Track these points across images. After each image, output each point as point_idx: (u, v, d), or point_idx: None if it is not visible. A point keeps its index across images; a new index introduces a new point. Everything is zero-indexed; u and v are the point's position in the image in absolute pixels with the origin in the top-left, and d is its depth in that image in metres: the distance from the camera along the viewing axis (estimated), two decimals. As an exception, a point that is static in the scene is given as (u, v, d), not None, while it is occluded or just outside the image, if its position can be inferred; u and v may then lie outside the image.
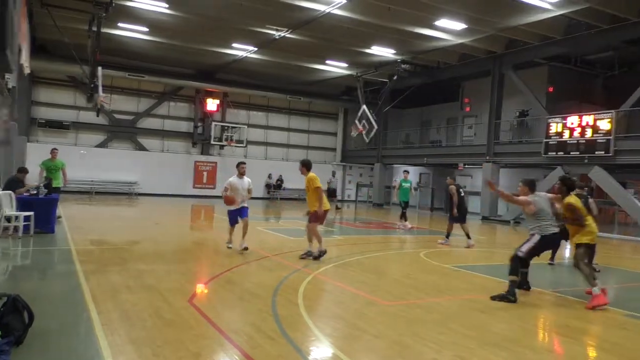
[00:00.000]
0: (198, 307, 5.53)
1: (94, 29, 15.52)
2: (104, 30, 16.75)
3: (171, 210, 19.35)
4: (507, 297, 6.40)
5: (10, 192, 10.12)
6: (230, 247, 9.65)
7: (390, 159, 29.07)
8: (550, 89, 22.29)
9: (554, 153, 18.85)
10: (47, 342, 4.28)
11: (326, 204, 9.01)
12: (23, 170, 11.47)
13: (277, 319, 5.19)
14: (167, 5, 17.04)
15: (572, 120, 18.36)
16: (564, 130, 18.56)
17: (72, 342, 4.37)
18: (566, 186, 6.88)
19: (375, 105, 27.11)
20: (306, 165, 9.10)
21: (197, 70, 27.15)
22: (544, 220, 6.68)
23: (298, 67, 25.30)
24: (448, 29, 18.20)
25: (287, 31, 19.25)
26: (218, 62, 25.10)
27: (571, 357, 4.84)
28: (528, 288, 7.05)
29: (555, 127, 18.91)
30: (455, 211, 12.20)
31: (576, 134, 18.14)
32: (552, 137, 18.95)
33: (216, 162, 28.85)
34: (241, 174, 9.75)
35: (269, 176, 29.92)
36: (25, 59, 13.40)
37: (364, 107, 26.20)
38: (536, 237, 6.61)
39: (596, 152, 17.40)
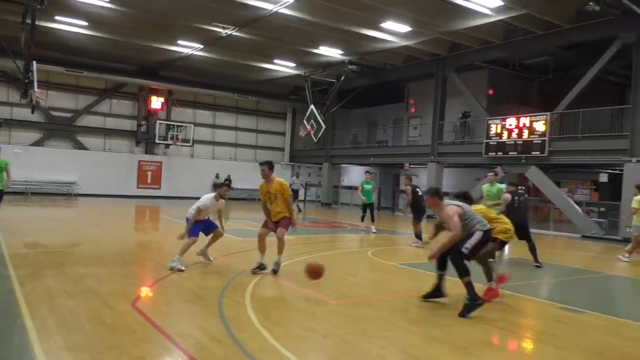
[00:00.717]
0: (141, 311, 5.36)
1: (28, 21, 14.75)
2: (40, 23, 15.96)
3: (113, 211, 18.68)
4: (474, 304, 5.69)
5: None
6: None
7: (338, 159, 29.33)
8: (490, 92, 23.19)
9: (494, 153, 19.62)
10: (-24, 353, 4.03)
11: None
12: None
13: (224, 321, 5.12)
14: (108, -1, 16.45)
15: (511, 121, 19.17)
16: (503, 132, 19.35)
17: (3, 350, 4.12)
18: (467, 199, 6.68)
19: (323, 105, 27.27)
20: (272, 167, 7.88)
21: (141, 67, 26.34)
22: (476, 217, 6.12)
23: (246, 66, 25.06)
24: (393, 31, 18.55)
25: (234, 29, 19.02)
26: (162, 59, 24.47)
27: (510, 349, 5.06)
28: (442, 295, 6.26)
29: (495, 128, 19.68)
30: (409, 209, 12.39)
31: (514, 135, 18.96)
32: (492, 138, 19.72)
33: (161, 162, 28.14)
34: (221, 197, 8.51)
35: (217, 176, 29.44)
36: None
37: (312, 107, 26.30)
38: (479, 233, 6.00)
39: (532, 153, 18.24)
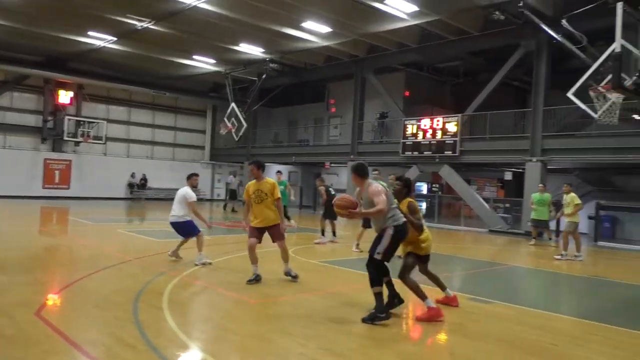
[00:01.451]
0: (47, 320, 5.01)
1: None
2: None
3: (15, 214, 17.31)
4: (378, 316, 5.33)
5: None
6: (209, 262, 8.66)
7: (259, 158, 28.97)
8: (407, 93, 24.11)
9: (410, 152, 20.42)
10: None
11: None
12: None
13: (139, 326, 4.91)
14: (8, -16, 15.21)
15: (425, 122, 20.04)
16: (419, 132, 20.20)
17: None
18: (407, 188, 6.03)
19: (245, 104, 26.99)
20: (262, 167, 7.40)
21: (47, 58, 24.51)
22: (394, 208, 5.60)
23: (163, 61, 24.17)
24: (314, 31, 18.73)
25: (150, 22, 18.28)
26: (71, 50, 22.98)
27: (424, 340, 5.28)
28: (400, 301, 5.77)
29: (411, 128, 20.48)
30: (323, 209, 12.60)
31: (429, 135, 19.84)
32: (409, 138, 20.51)
33: (70, 160, 26.47)
34: (193, 186, 8.79)
35: (132, 175, 28.24)
36: None
37: (233, 104, 25.94)
38: (389, 231, 5.43)
39: (445, 152, 19.19)
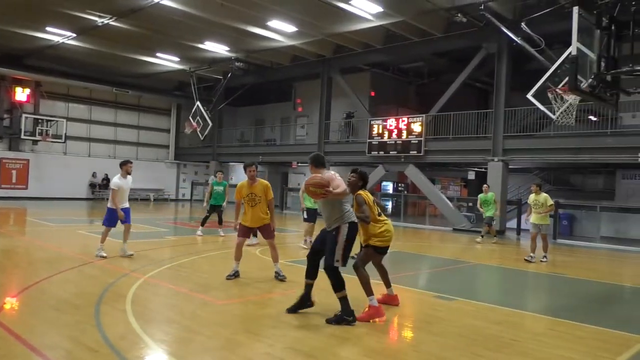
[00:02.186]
0: (4, 324, 4.83)
1: None
2: None
3: (-31, 216, 16.61)
4: (345, 319, 5.29)
5: None
6: (104, 256, 8.75)
7: (225, 157, 28.89)
8: (372, 93, 24.33)
9: (376, 152, 20.61)
10: None
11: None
12: None
13: (101, 329, 4.79)
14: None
15: (391, 122, 20.27)
16: (384, 132, 20.41)
17: None
18: (362, 181, 5.86)
19: (210, 102, 26.69)
20: (257, 167, 7.55)
21: (2, 54, 23.57)
22: (348, 204, 5.52)
23: (125, 58, 23.63)
24: (280, 30, 18.68)
25: (111, 18, 17.85)
26: (28, 46, 22.22)
27: (390, 337, 5.35)
28: (312, 304, 5.72)
29: (377, 128, 20.68)
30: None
31: (394, 135, 20.07)
32: (375, 138, 20.70)
33: (28, 160, 25.58)
34: (127, 173, 8.91)
35: (94, 175, 27.52)
36: None
37: (198, 103, 25.62)
38: (344, 229, 5.36)
39: (410, 152, 19.46)
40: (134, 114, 30.21)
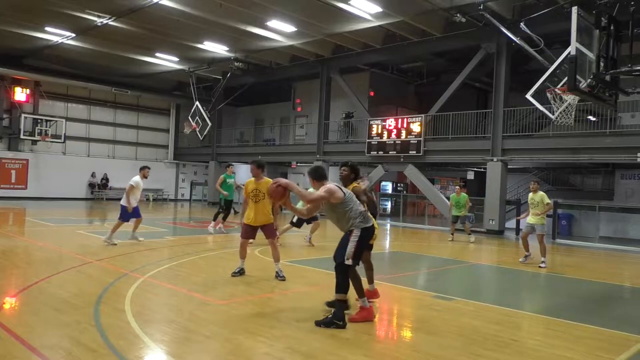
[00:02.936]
0: (4, 324, 4.83)
1: None
2: None
3: (-32, 216, 16.60)
4: (335, 323, 5.16)
5: None
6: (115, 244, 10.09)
7: (225, 157, 28.88)
8: (372, 93, 24.34)
9: (375, 152, 20.62)
10: None
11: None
12: None
13: (100, 329, 4.80)
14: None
15: (390, 122, 20.28)
16: (384, 132, 20.42)
17: None
18: (354, 173, 6.02)
19: (209, 102, 26.67)
20: (262, 166, 7.60)
21: (1, 54, 23.57)
22: (358, 207, 5.46)
23: (124, 58, 23.62)
24: (279, 30, 18.68)
25: (110, 18, 17.84)
26: (27, 46, 22.21)
27: (389, 338, 5.35)
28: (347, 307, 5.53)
29: (376, 128, 20.69)
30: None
31: (393, 135, 20.08)
32: (374, 138, 20.71)
33: (27, 160, 25.59)
34: (144, 177, 10.53)
35: (93, 175, 27.51)
36: None
37: (197, 103, 25.61)
38: (357, 232, 5.34)
39: (410, 152, 19.47)
40: (133, 114, 30.21)
